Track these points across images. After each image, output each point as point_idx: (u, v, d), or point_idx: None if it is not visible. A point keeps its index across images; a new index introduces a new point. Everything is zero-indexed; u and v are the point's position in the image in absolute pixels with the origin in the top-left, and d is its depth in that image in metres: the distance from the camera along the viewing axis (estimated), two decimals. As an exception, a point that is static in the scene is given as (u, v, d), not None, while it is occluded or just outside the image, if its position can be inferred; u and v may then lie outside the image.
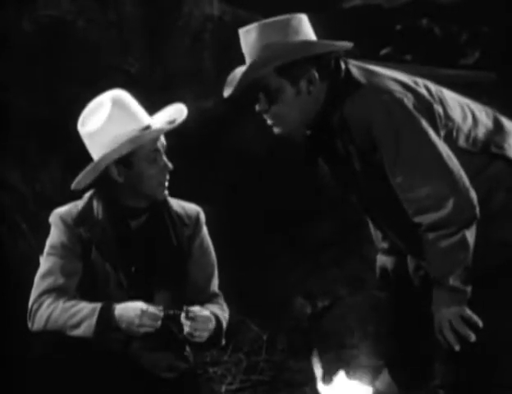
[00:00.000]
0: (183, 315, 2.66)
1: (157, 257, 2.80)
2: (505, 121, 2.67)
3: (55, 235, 2.79)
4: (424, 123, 2.46)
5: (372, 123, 2.44)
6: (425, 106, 2.52)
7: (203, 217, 2.90)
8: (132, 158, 2.65)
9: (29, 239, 3.93)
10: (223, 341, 2.80)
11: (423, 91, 2.55)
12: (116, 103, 2.68)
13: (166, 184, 2.76)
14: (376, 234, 2.99)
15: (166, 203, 2.82)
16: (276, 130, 2.56)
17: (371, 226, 2.99)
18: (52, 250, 2.77)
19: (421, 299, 2.77)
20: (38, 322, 2.69)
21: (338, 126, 2.53)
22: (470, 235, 2.46)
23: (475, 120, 2.61)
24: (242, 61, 2.83)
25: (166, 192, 2.77)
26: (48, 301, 2.69)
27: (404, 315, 3.00)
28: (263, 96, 2.53)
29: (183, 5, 4.60)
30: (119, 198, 2.77)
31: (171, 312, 2.66)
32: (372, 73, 2.56)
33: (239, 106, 3.39)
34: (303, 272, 4.36)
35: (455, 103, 2.62)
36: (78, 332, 2.63)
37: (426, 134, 2.44)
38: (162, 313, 2.64)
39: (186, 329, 2.63)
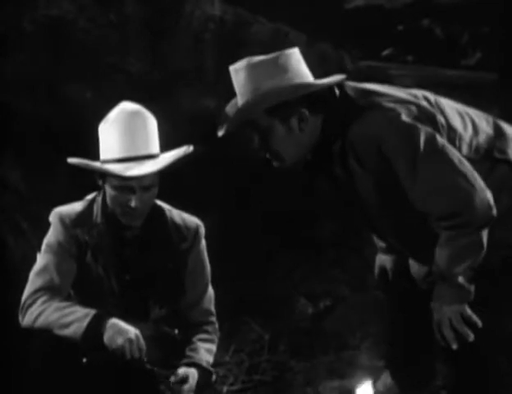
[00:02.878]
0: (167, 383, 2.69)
1: (152, 269, 2.79)
2: (505, 126, 2.68)
3: (52, 234, 2.79)
4: (431, 132, 2.47)
5: (381, 142, 2.45)
6: (428, 117, 2.54)
7: (202, 230, 2.89)
8: (104, 181, 2.69)
9: (30, 238, 3.93)
10: (213, 378, 2.82)
11: (424, 103, 2.57)
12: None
13: (139, 215, 2.71)
14: None
15: (163, 216, 2.82)
16: (275, 164, 2.60)
17: None
18: (49, 248, 2.77)
19: (421, 298, 2.74)
20: (28, 318, 2.69)
21: (341, 152, 2.54)
22: (485, 235, 2.48)
23: (475, 127, 2.62)
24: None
25: (137, 222, 2.73)
26: (42, 299, 2.69)
27: (403, 315, 2.99)
28: (257, 135, 2.58)
29: (184, 5, 4.61)
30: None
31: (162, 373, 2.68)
32: (370, 93, 2.58)
33: None
34: (304, 273, 4.34)
35: (455, 112, 2.63)
36: (66, 332, 2.63)
37: (433, 142, 2.45)
38: (145, 359, 2.62)
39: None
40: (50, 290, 2.71)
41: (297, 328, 3.99)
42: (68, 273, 2.75)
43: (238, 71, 2.56)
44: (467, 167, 2.46)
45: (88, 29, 4.41)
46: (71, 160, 2.74)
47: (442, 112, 2.58)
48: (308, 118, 2.56)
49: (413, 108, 2.52)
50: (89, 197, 2.85)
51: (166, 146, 2.82)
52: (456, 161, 2.45)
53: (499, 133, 2.65)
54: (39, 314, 2.67)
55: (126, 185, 2.64)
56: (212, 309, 2.88)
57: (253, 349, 3.88)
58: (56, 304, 2.67)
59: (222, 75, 4.27)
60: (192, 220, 2.89)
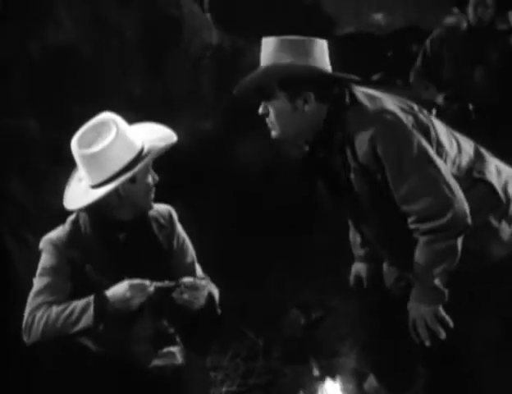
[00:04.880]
0: (178, 290, 2.72)
1: (144, 262, 2.86)
2: (483, 151, 2.86)
3: (46, 259, 2.84)
4: (424, 141, 2.63)
5: (377, 141, 2.59)
6: (423, 128, 2.69)
7: (175, 214, 2.99)
8: (136, 174, 2.73)
9: (35, 250, 4.01)
10: (219, 311, 2.89)
11: (421, 115, 2.73)
12: (119, 126, 2.74)
13: (153, 196, 2.84)
14: (354, 241, 3.12)
15: (147, 212, 2.91)
16: (272, 133, 2.74)
17: (351, 234, 3.12)
18: (44, 272, 2.83)
19: (396, 305, 2.88)
20: (34, 333, 2.73)
21: (341, 144, 2.68)
22: (460, 243, 2.63)
23: (460, 148, 2.79)
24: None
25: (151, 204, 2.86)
26: (40, 313, 2.74)
27: (380, 321, 3.11)
28: (265, 102, 2.72)
29: (183, 32, 4.64)
30: (108, 213, 2.83)
31: (162, 285, 2.73)
32: (375, 97, 2.72)
33: (237, 127, 3.52)
34: (296, 285, 4.44)
35: (444, 131, 2.79)
36: (79, 328, 2.70)
37: (426, 151, 2.61)
38: (149, 284, 2.69)
39: (185, 297, 2.71)
40: (45, 304, 2.76)
41: (290, 336, 4.04)
42: (63, 293, 2.79)
43: (267, 43, 2.72)
44: (451, 179, 2.63)
45: (91, 54, 4.43)
46: (120, 175, 2.71)
47: (434, 127, 2.74)
48: (313, 102, 2.69)
49: (411, 118, 2.67)
50: (71, 218, 2.90)
51: (166, 165, 2.91)
52: (443, 171, 2.61)
53: (478, 156, 2.83)
54: (45, 325, 2.72)
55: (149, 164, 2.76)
56: (205, 275, 2.98)
57: (248, 355, 3.94)
58: (54, 310, 2.73)
59: (219, 98, 4.44)
60: (163, 207, 2.99)
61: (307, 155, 2.81)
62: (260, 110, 2.75)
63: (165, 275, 2.82)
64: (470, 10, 4.69)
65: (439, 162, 2.65)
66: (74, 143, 2.74)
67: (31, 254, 3.94)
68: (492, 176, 2.80)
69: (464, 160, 2.78)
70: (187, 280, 2.75)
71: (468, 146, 2.85)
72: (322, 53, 2.74)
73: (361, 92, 2.76)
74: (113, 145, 2.69)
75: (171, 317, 2.88)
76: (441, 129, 2.79)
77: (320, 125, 2.73)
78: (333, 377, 3.52)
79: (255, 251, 4.41)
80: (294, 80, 2.69)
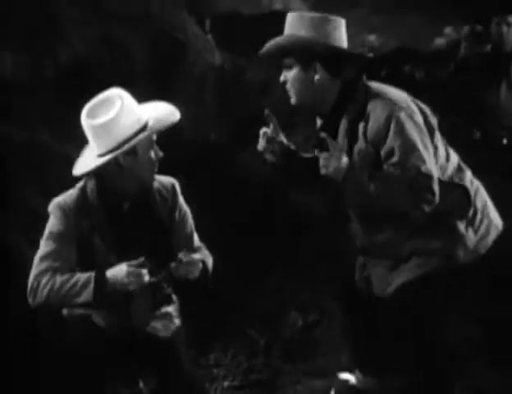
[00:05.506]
0: (175, 265, 2.89)
1: (146, 232, 2.99)
2: (464, 166, 3.08)
3: (54, 224, 2.95)
4: (427, 139, 2.88)
5: (391, 120, 2.81)
6: (430, 129, 2.94)
7: (177, 187, 3.12)
8: (138, 147, 2.89)
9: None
10: (211, 282, 3.06)
11: (430, 118, 2.97)
12: (124, 100, 2.87)
13: (156, 170, 2.99)
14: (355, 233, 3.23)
15: (151, 185, 3.03)
16: (291, 100, 3.00)
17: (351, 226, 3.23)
18: (51, 236, 2.93)
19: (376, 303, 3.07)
20: (39, 298, 2.86)
21: (355, 115, 2.90)
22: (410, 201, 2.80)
23: (448, 158, 3.02)
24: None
25: (154, 177, 3.01)
26: (45, 279, 2.86)
27: (360, 317, 3.26)
28: (284, 72, 3.01)
29: (188, 54, 4.78)
30: (114, 183, 2.94)
31: (159, 276, 2.92)
32: (391, 89, 2.96)
33: (238, 139, 3.67)
34: (295, 288, 4.56)
35: (440, 139, 3.02)
36: (80, 300, 2.84)
37: (426, 148, 2.85)
38: (146, 273, 2.84)
39: (182, 272, 2.89)
40: (50, 270, 2.88)
41: (288, 337, 4.17)
42: (68, 258, 2.91)
43: (293, 16, 3.00)
44: (434, 166, 2.86)
45: (100, 73, 4.57)
46: (121, 145, 2.84)
47: (436, 133, 2.99)
48: (322, 74, 2.95)
49: (422, 116, 2.91)
50: (80, 185, 3.01)
51: (170, 172, 3.11)
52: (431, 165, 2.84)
53: (460, 167, 3.06)
54: (49, 291, 2.85)
55: (153, 139, 2.92)
56: (202, 244, 3.14)
57: (249, 353, 4.08)
58: (59, 279, 2.85)
59: (221, 114, 4.62)
60: (166, 179, 3.12)
61: (320, 128, 3.02)
62: (281, 78, 3.00)
63: (165, 245, 3.00)
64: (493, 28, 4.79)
65: (430, 160, 2.85)
66: (83, 114, 2.88)
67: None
68: (468, 185, 3.01)
69: (450, 169, 3.00)
70: (184, 257, 2.91)
71: (454, 158, 3.06)
72: (336, 30, 2.99)
73: (378, 84, 2.99)
74: (118, 117, 2.83)
75: (168, 278, 3.01)
76: (440, 136, 3.01)
77: (333, 99, 2.97)
78: (328, 374, 3.66)
79: (255, 253, 4.56)
80: (304, 52, 2.94)
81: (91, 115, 2.88)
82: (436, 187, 2.83)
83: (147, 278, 2.87)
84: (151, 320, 3.03)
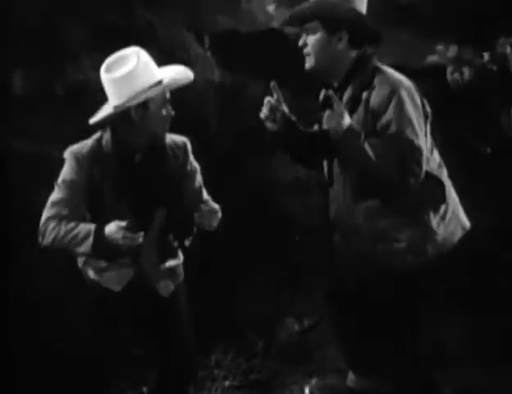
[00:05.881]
0: (200, 214, 3.05)
1: (156, 184, 3.13)
2: (442, 162, 3.22)
3: (67, 172, 3.10)
4: (421, 113, 3.01)
5: (394, 96, 2.93)
6: (424, 113, 3.07)
7: (189, 146, 3.26)
8: (149, 102, 3.02)
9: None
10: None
11: (428, 108, 3.10)
12: (140, 57, 3.01)
13: (168, 127, 3.12)
14: None
15: (163, 140, 3.17)
16: (307, 64, 3.10)
17: None
18: (63, 183, 3.09)
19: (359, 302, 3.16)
20: (46, 240, 3.06)
21: (362, 85, 3.02)
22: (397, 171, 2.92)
23: (432, 153, 3.14)
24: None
25: (166, 133, 3.15)
26: (52, 225, 3.05)
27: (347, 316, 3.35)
28: (305, 36, 3.09)
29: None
30: (127, 135, 3.07)
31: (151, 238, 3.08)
32: (396, 73, 3.07)
33: (238, 152, 3.75)
34: (292, 295, 4.71)
35: (429, 135, 3.15)
36: (80, 250, 3.03)
37: (417, 114, 2.98)
38: (141, 235, 2.95)
39: (205, 221, 3.08)
40: (58, 218, 3.05)
41: (285, 340, 4.36)
42: (77, 206, 3.08)
43: None
44: (424, 144, 3.01)
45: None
46: (133, 98, 2.96)
47: (429, 126, 3.13)
48: (345, 42, 3.07)
49: (420, 104, 3.04)
50: (96, 136, 3.14)
51: None
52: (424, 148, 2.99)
53: (441, 165, 3.20)
54: (55, 238, 3.04)
55: (166, 98, 3.04)
56: (209, 197, 3.28)
57: (248, 354, 4.26)
58: (64, 228, 3.03)
59: (221, 129, 4.70)
60: (179, 138, 3.26)
61: (335, 90, 3.10)
62: (300, 42, 3.09)
63: (173, 198, 3.14)
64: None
65: (422, 137, 2.99)
66: (102, 68, 3.03)
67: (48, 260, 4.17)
68: (444, 181, 3.15)
69: (432, 162, 3.12)
70: (206, 206, 3.11)
71: (437, 155, 3.20)
72: (362, 4, 3.13)
73: (387, 66, 3.11)
74: (133, 72, 2.97)
75: (177, 232, 3.19)
76: (430, 129, 3.14)
77: (344, 70, 3.09)
78: (322, 375, 3.85)
79: (255, 266, 4.70)
80: (335, 19, 3.04)
81: (109, 69, 3.02)
82: (424, 163, 2.97)
83: (140, 240, 2.98)
84: (159, 273, 3.20)
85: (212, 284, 3.85)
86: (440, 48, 5.26)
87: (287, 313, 4.58)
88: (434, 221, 3.07)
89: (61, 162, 4.11)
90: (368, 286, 3.13)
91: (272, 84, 3.10)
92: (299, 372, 3.97)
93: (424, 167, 2.99)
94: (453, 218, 3.14)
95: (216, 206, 3.17)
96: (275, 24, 5.79)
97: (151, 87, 3.01)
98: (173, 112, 3.12)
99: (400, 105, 2.95)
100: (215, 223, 3.15)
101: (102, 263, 3.15)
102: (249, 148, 3.43)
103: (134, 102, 2.99)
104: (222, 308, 4.25)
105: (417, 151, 2.96)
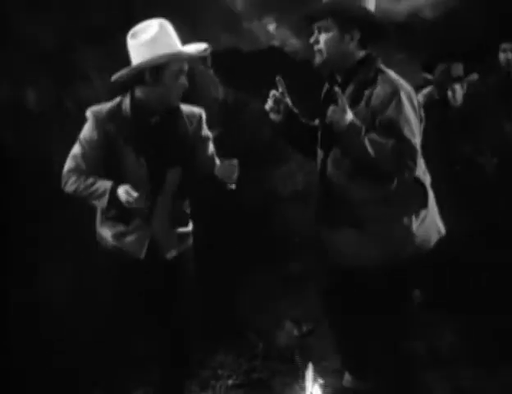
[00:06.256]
0: (221, 166, 3.21)
1: (170, 145, 3.33)
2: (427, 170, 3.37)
3: (87, 129, 3.35)
4: (418, 115, 3.19)
5: (395, 97, 3.10)
6: (419, 116, 3.24)
7: (204, 116, 3.47)
8: (164, 69, 3.22)
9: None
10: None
11: (421, 111, 3.28)
12: (162, 27, 3.23)
13: (181, 95, 3.31)
14: None
15: (178, 107, 3.38)
16: (316, 59, 3.24)
17: None
18: (82, 139, 3.35)
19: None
20: (68, 189, 3.39)
21: (366, 82, 3.17)
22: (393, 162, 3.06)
23: (421, 155, 3.27)
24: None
25: (179, 101, 3.33)
26: (73, 178, 3.36)
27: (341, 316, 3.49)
28: (318, 31, 3.23)
29: (195, 89, 4.46)
30: (142, 98, 3.28)
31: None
32: (398, 77, 3.26)
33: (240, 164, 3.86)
34: (291, 301, 4.81)
35: (421, 129, 3.31)
36: (98, 204, 3.32)
37: (414, 116, 3.16)
38: (148, 198, 3.18)
39: (226, 174, 3.23)
40: (77, 171, 3.35)
41: (285, 345, 4.45)
42: (94, 161, 3.33)
43: None
44: (419, 143, 3.17)
45: None
46: (149, 61, 3.17)
47: (422, 122, 3.29)
48: (356, 41, 3.20)
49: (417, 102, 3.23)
50: (117, 99, 3.37)
51: None
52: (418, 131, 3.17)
53: (425, 172, 3.36)
54: (75, 190, 3.35)
55: (182, 69, 3.24)
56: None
57: (250, 355, 4.38)
58: (83, 183, 3.32)
59: (225, 144, 4.83)
60: (195, 109, 3.47)
61: (339, 85, 3.22)
62: (311, 40, 3.23)
63: (187, 160, 3.36)
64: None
65: (418, 137, 3.14)
66: (128, 35, 3.27)
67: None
68: (427, 187, 3.31)
69: (419, 167, 3.26)
70: (227, 160, 3.28)
71: (422, 163, 3.34)
72: (372, 4, 3.29)
73: (390, 70, 3.28)
74: (153, 39, 3.20)
75: (191, 196, 3.40)
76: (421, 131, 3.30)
77: (353, 64, 3.23)
78: (319, 376, 3.84)
79: (256, 274, 4.84)
80: (350, 18, 3.17)
81: (133, 36, 3.26)
82: (418, 160, 3.12)
83: (148, 203, 3.23)
84: (169, 238, 3.40)
85: (214, 288, 3.97)
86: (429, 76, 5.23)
87: (286, 317, 4.68)
88: (415, 224, 3.20)
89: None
90: (352, 279, 3.25)
91: (278, 78, 3.25)
92: (299, 372, 4.04)
93: (417, 164, 3.12)
94: (431, 223, 3.27)
95: (235, 160, 3.30)
96: (275, 42, 5.99)
97: (166, 55, 3.21)
98: (187, 84, 3.28)
99: (400, 105, 3.11)
100: (234, 177, 3.27)
101: (121, 227, 3.36)
102: (249, 163, 3.56)
103: (148, 65, 3.20)
104: (224, 311, 4.39)
105: (412, 148, 3.10)
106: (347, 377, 3.72)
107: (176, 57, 3.25)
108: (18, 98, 4.59)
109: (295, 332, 4.59)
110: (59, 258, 4.48)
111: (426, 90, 4.95)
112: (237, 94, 5.30)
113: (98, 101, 4.21)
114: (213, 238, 4.44)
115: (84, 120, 3.53)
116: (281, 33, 5.83)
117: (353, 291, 3.29)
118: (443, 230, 3.38)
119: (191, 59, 3.33)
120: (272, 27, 5.85)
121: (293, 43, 5.82)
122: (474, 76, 4.96)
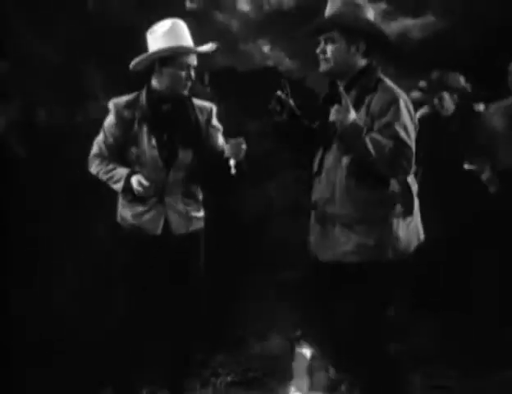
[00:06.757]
0: (229, 145, 3.52)
1: (180, 130, 3.66)
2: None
3: (108, 118, 3.75)
4: (415, 123, 3.32)
5: (394, 104, 3.22)
6: (414, 124, 3.33)
7: (215, 109, 3.81)
8: (172, 60, 3.61)
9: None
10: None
11: (416, 119, 3.37)
12: (174, 25, 3.62)
13: (188, 85, 3.64)
14: None
15: (190, 98, 3.72)
16: (322, 67, 3.37)
17: None
18: (105, 128, 3.74)
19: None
20: (93, 170, 3.77)
21: (366, 88, 3.27)
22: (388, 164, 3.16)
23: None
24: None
25: (186, 91, 3.66)
26: (96, 162, 3.76)
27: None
28: (324, 42, 3.36)
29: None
30: (157, 88, 3.63)
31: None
32: (396, 86, 3.35)
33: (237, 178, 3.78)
34: (280, 313, 4.97)
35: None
36: (116, 187, 3.70)
37: (410, 123, 3.27)
38: (151, 186, 3.54)
39: (233, 150, 3.54)
40: (101, 156, 3.75)
41: (276, 354, 4.62)
42: (115, 148, 3.71)
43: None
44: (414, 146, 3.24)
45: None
46: (157, 52, 3.62)
47: (416, 128, 3.36)
48: (361, 52, 3.31)
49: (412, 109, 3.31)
50: (136, 92, 3.73)
51: None
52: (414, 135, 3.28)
53: (414, 180, 3.44)
54: (97, 173, 3.75)
55: (188, 64, 3.58)
56: None
57: (247, 356, 4.63)
58: (104, 168, 3.71)
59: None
60: (208, 103, 3.82)
61: (344, 89, 3.29)
62: (318, 50, 3.36)
63: (197, 145, 3.70)
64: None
65: (413, 141, 3.27)
66: (148, 32, 3.68)
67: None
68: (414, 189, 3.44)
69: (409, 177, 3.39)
70: (234, 139, 3.58)
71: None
72: (371, 12, 3.39)
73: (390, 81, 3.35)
74: (164, 35, 3.60)
75: (203, 179, 3.76)
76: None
77: (354, 73, 3.33)
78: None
79: (251, 285, 5.01)
80: (357, 31, 3.30)
81: (150, 32, 3.68)
82: (413, 162, 3.27)
83: (152, 192, 3.59)
84: (182, 227, 3.72)
85: (215, 294, 4.16)
86: (422, 83, 5.34)
87: (281, 321, 4.86)
88: (400, 229, 3.32)
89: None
90: (340, 275, 3.35)
91: (283, 80, 3.45)
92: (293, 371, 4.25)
93: (412, 166, 3.27)
94: (413, 229, 3.40)
95: (241, 138, 3.60)
96: (270, 62, 5.98)
97: (170, 48, 3.59)
98: (193, 77, 3.63)
99: (398, 112, 3.23)
100: (241, 155, 3.56)
101: (140, 207, 3.69)
102: (246, 176, 3.71)
103: (154, 55, 3.60)
104: (225, 314, 4.61)
105: (409, 151, 3.24)
106: (332, 371, 3.96)
107: (178, 50, 3.60)
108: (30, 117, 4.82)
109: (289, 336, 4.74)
110: (59, 258, 4.64)
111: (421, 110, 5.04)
112: (232, 113, 5.21)
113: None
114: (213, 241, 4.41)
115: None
116: (275, 54, 5.94)
117: (338, 287, 3.39)
118: (422, 236, 3.49)
119: (191, 53, 3.64)
120: (266, 48, 5.98)
121: (287, 63, 5.89)
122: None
